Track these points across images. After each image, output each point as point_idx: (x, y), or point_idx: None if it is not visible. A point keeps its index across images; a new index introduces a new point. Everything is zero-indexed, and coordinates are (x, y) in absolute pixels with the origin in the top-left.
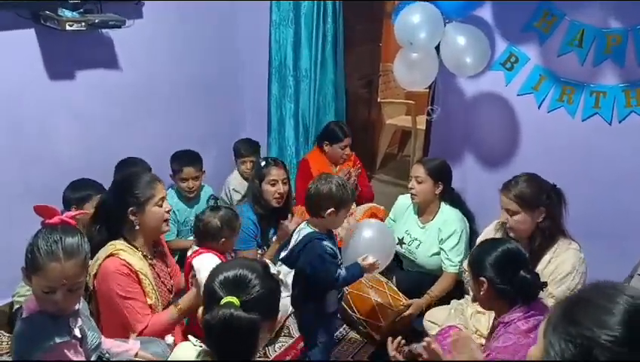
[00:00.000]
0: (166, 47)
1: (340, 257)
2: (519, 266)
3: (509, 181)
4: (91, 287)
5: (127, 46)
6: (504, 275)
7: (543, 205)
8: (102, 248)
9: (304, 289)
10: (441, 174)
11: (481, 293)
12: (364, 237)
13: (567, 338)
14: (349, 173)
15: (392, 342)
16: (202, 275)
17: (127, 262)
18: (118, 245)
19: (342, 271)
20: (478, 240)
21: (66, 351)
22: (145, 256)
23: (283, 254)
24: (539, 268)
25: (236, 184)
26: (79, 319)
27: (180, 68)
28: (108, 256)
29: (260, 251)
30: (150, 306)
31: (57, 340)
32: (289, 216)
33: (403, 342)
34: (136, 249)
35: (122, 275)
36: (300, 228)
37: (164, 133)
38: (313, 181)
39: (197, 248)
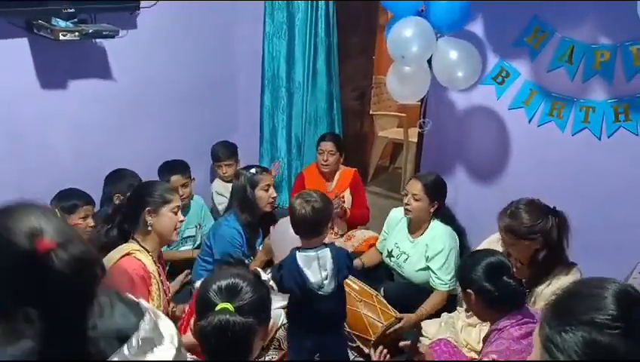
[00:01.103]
0: (159, 58)
1: None
2: (501, 274)
3: (504, 209)
4: None
5: (120, 56)
6: (488, 285)
7: (537, 234)
8: (114, 249)
9: None
10: (438, 193)
11: (471, 305)
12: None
13: (565, 329)
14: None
15: (375, 352)
16: None
17: (143, 262)
18: (132, 246)
19: None
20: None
21: None
22: (154, 261)
23: None
24: (538, 289)
25: (219, 187)
26: None
27: (173, 78)
28: (124, 256)
29: (246, 261)
30: None
31: None
32: (271, 228)
33: (385, 351)
34: (148, 252)
35: (137, 277)
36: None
37: (157, 144)
38: None
39: None
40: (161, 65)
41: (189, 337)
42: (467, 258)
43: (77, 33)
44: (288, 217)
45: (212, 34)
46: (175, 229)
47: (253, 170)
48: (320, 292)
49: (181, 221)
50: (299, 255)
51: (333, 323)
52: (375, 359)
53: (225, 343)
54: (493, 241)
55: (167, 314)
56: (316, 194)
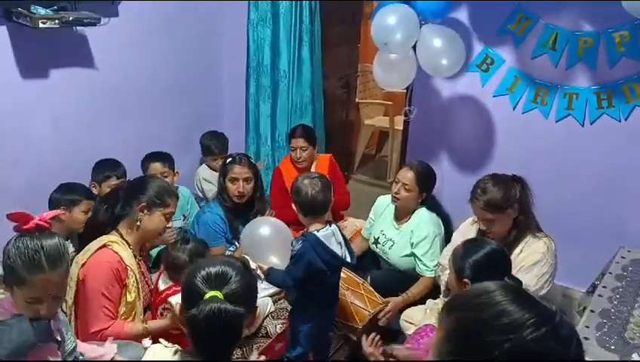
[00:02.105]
0: (142, 47)
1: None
2: (502, 271)
3: (474, 190)
4: (77, 278)
5: (102, 44)
6: (488, 278)
7: (514, 201)
8: (103, 230)
9: None
10: (428, 184)
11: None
12: (263, 235)
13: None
14: None
15: (367, 339)
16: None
17: (120, 256)
18: (111, 238)
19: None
20: (454, 236)
21: (48, 355)
22: (134, 255)
23: None
24: (512, 257)
25: (206, 174)
26: (59, 321)
27: (156, 67)
28: (101, 248)
29: (231, 248)
30: (129, 303)
31: (39, 344)
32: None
33: (378, 337)
34: (128, 245)
35: (112, 271)
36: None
37: (140, 133)
38: None
39: (171, 283)
40: (143, 53)
41: (158, 322)
42: (468, 245)
43: (57, 21)
44: (257, 220)
45: (196, 22)
46: (160, 234)
47: (228, 160)
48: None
49: (168, 227)
50: (319, 235)
51: (337, 294)
52: (366, 347)
53: (215, 331)
54: (466, 228)
55: (148, 306)
56: (317, 174)
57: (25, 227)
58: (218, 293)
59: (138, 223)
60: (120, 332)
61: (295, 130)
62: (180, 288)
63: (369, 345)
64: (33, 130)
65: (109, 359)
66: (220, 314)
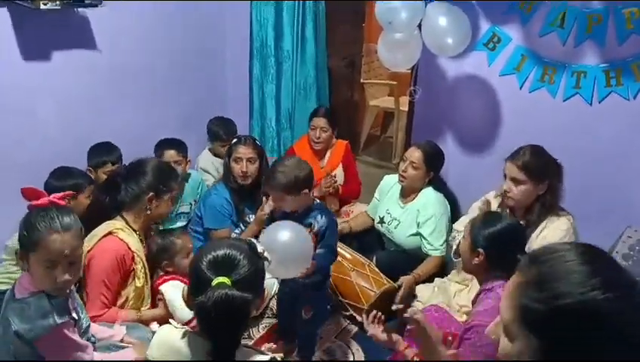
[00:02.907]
0: (145, 27)
1: None
2: (518, 247)
3: (517, 150)
4: (84, 263)
5: (104, 25)
6: (501, 252)
7: (548, 178)
8: (99, 225)
9: None
10: (436, 164)
11: (474, 263)
12: (281, 240)
13: (564, 313)
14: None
15: (368, 318)
16: (174, 304)
17: (126, 242)
18: (117, 224)
19: None
20: (473, 206)
21: (65, 331)
22: (140, 240)
23: None
24: (532, 235)
25: (204, 163)
26: (75, 300)
27: (159, 48)
28: (106, 235)
29: (236, 230)
30: (138, 288)
31: (58, 320)
32: (263, 199)
33: (379, 314)
34: (134, 231)
35: (115, 259)
36: None
37: (142, 115)
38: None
39: (161, 273)
40: (145, 35)
41: (151, 312)
42: (488, 217)
43: (58, 2)
44: (276, 224)
45: (199, 3)
46: (166, 215)
47: (235, 140)
48: None
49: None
50: None
51: None
52: (367, 325)
53: (223, 316)
54: (489, 199)
55: (157, 291)
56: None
57: (38, 203)
58: (225, 279)
59: (148, 212)
60: (114, 318)
61: (318, 109)
62: (169, 277)
63: (370, 324)
64: (36, 111)
65: (119, 339)
66: (227, 300)
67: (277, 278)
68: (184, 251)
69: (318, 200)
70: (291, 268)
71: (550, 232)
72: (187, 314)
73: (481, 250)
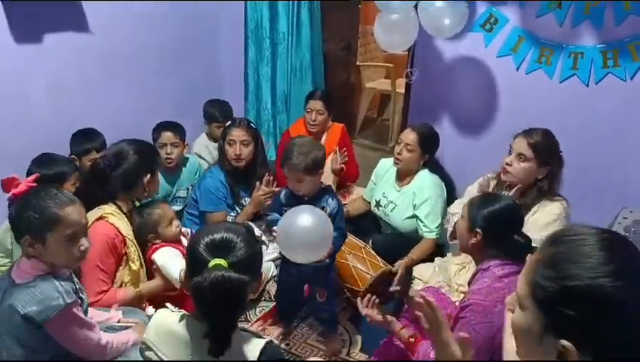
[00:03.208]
0: (138, 9)
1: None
2: (515, 227)
3: (530, 128)
4: None
5: (97, 7)
6: (499, 232)
7: (550, 163)
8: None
9: None
10: (431, 146)
11: (471, 242)
12: (301, 224)
13: (571, 295)
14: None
15: (363, 300)
16: (167, 268)
17: (116, 227)
18: (107, 209)
19: (273, 216)
20: (469, 189)
21: (75, 310)
22: (131, 223)
23: None
24: (525, 218)
25: (199, 148)
26: (75, 282)
27: (153, 30)
28: (97, 220)
29: (232, 213)
30: (134, 271)
31: (68, 300)
32: (257, 183)
33: (374, 298)
34: (126, 215)
35: (107, 244)
36: None
37: (136, 99)
38: None
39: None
40: (140, 17)
41: (149, 284)
42: (486, 197)
43: None
44: (294, 209)
45: None
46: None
47: (228, 123)
48: None
49: None
50: None
51: None
52: (362, 308)
53: (220, 298)
54: (484, 182)
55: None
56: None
57: (18, 191)
58: (222, 261)
59: (145, 194)
60: (113, 298)
61: (314, 92)
62: (158, 245)
63: (365, 306)
64: (29, 94)
65: (116, 321)
66: (224, 282)
67: (274, 262)
68: (165, 220)
69: (323, 183)
70: (315, 253)
71: (542, 216)
72: (179, 272)
73: (478, 230)
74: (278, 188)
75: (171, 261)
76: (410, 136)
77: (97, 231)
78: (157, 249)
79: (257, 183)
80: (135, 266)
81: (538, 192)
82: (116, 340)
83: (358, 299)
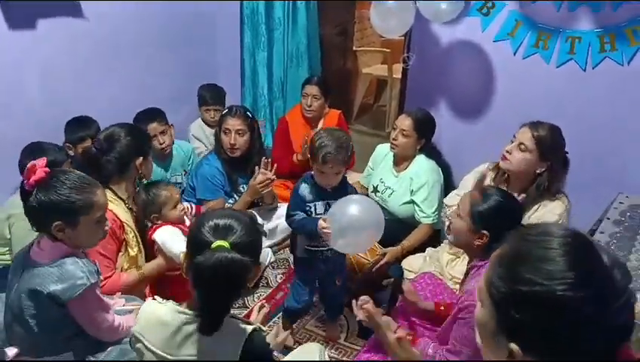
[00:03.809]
0: None
1: (312, 208)
2: (514, 223)
3: (538, 121)
4: None
5: None
6: (505, 230)
7: (551, 159)
8: None
9: None
10: (426, 130)
11: (476, 243)
12: (350, 212)
13: (521, 300)
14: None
15: (357, 305)
16: (168, 245)
17: (114, 213)
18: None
19: (298, 216)
20: (466, 178)
21: (97, 291)
22: (130, 209)
23: None
24: (525, 216)
25: (196, 131)
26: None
27: (148, 18)
28: None
29: (230, 200)
30: (132, 257)
31: (92, 280)
32: (256, 168)
33: (367, 298)
34: (122, 200)
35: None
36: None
37: (131, 86)
38: None
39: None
40: (135, 4)
41: (151, 264)
42: (485, 197)
43: None
44: (347, 200)
45: None
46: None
47: (224, 111)
48: None
49: None
50: None
51: None
52: (357, 311)
53: (219, 280)
54: (481, 171)
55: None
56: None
57: (37, 177)
58: (225, 243)
59: (142, 176)
60: (117, 283)
61: (311, 78)
62: (159, 225)
63: (358, 309)
64: (22, 81)
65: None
66: (227, 263)
67: (271, 248)
68: (171, 202)
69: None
70: (371, 240)
71: (543, 215)
72: (183, 247)
73: (485, 232)
74: (274, 176)
75: (172, 238)
76: (405, 121)
77: None
78: (157, 229)
79: (256, 168)
80: (133, 252)
81: (537, 189)
82: (126, 321)
83: (353, 303)
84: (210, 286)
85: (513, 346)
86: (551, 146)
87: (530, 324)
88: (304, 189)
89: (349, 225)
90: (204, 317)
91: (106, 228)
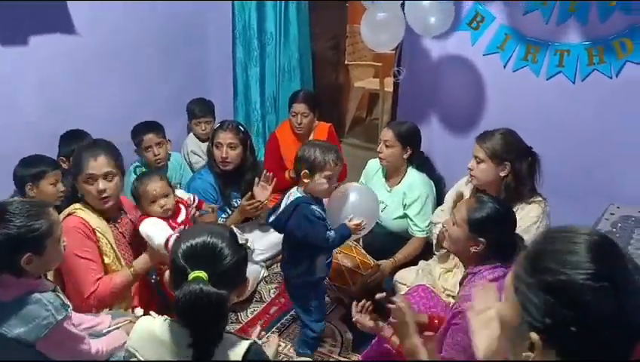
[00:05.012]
0: (125, 9)
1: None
2: (510, 229)
3: (486, 131)
4: None
5: (83, 7)
6: (503, 239)
7: (509, 161)
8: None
9: (294, 254)
10: (409, 138)
11: (473, 251)
12: (350, 200)
13: (545, 289)
14: None
15: (357, 306)
16: (151, 237)
17: (85, 220)
18: (76, 205)
19: (331, 233)
20: (448, 195)
21: (65, 325)
22: (107, 219)
23: (272, 218)
24: None
25: (193, 146)
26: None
27: (140, 31)
28: (67, 216)
29: (223, 215)
30: (107, 265)
31: (58, 316)
32: (255, 179)
33: (369, 303)
34: (96, 211)
35: (79, 233)
36: (290, 193)
37: (124, 100)
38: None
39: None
40: (127, 16)
41: (140, 259)
42: (479, 205)
43: None
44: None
45: None
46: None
47: (217, 126)
48: None
49: None
50: None
51: None
52: (355, 313)
53: (199, 313)
54: (460, 187)
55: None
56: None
57: None
58: (202, 274)
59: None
60: (108, 286)
61: (297, 94)
62: (144, 216)
63: (357, 311)
64: (17, 96)
65: (105, 327)
66: (202, 296)
67: (264, 263)
68: (147, 197)
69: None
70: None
71: (521, 219)
72: (163, 238)
73: (482, 240)
74: (266, 201)
75: (154, 230)
76: (387, 133)
77: (68, 226)
78: (142, 220)
79: (256, 179)
80: (108, 259)
81: (506, 192)
82: (105, 344)
83: (353, 305)
84: (192, 318)
85: (534, 335)
86: (504, 150)
87: (552, 314)
88: (315, 211)
89: (362, 206)
90: (195, 348)
91: (64, 243)
